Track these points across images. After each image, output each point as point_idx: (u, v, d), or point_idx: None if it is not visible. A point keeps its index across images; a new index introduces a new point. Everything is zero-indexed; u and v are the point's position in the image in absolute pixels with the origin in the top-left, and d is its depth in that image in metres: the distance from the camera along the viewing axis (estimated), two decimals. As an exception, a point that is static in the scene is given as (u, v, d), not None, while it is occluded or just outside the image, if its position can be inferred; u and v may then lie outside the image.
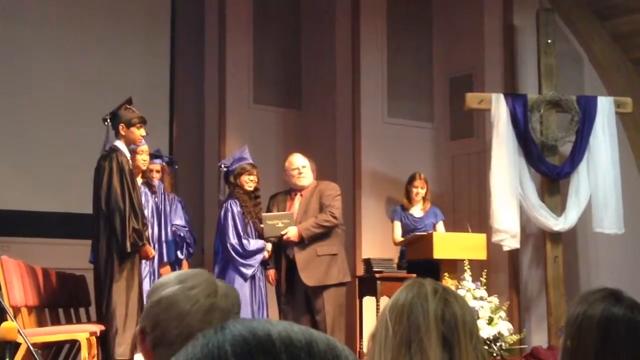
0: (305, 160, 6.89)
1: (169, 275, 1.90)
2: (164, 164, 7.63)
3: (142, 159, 6.81)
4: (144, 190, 6.72)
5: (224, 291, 1.84)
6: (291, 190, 6.91)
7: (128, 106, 6.22)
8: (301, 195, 6.82)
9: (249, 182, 7.04)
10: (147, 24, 9.43)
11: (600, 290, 2.07)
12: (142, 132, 6.22)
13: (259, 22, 9.43)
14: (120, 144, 6.15)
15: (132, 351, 5.89)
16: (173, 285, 1.83)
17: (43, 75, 8.78)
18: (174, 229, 7.31)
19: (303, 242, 6.61)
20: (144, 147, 6.79)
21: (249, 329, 0.76)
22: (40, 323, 6.31)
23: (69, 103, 8.82)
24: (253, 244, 6.89)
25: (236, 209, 6.93)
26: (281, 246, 6.77)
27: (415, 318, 1.76)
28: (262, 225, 6.73)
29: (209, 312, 1.78)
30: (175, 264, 7.32)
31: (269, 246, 6.89)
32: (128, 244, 5.86)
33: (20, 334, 4.52)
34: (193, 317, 1.77)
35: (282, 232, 6.59)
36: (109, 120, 6.15)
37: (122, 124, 6.14)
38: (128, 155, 6.18)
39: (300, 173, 6.80)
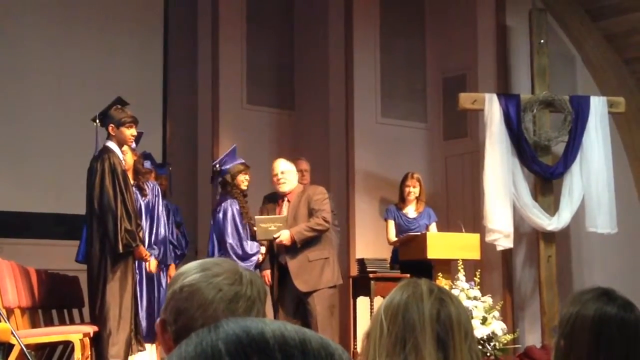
0: (287, 166, 6.83)
1: (190, 264, 1.80)
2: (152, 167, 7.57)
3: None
4: (134, 191, 6.64)
5: (249, 278, 1.74)
6: (278, 196, 6.89)
7: (118, 106, 6.18)
8: (288, 201, 6.78)
9: (244, 181, 7.05)
10: (139, 24, 9.42)
11: (593, 290, 2.07)
12: (133, 131, 6.16)
13: (252, 22, 9.43)
14: (112, 145, 6.10)
15: (126, 352, 5.88)
16: (195, 273, 1.73)
17: (35, 74, 8.76)
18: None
19: (294, 249, 6.55)
20: (124, 148, 6.56)
21: (243, 327, 0.76)
22: (34, 324, 6.30)
23: (61, 104, 8.80)
24: (250, 245, 6.89)
25: (236, 208, 6.92)
26: (273, 250, 6.75)
27: (410, 317, 1.76)
28: (254, 228, 6.71)
29: (233, 301, 1.69)
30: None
31: (263, 249, 6.88)
32: (120, 245, 5.83)
33: (14, 335, 4.52)
34: (217, 306, 1.68)
35: (275, 235, 6.56)
36: (97, 121, 6.12)
37: (111, 124, 6.09)
38: (120, 155, 6.15)
39: (279, 179, 6.76)
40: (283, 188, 6.73)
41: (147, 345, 6.68)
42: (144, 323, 6.64)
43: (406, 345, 1.74)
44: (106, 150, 6.05)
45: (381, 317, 1.79)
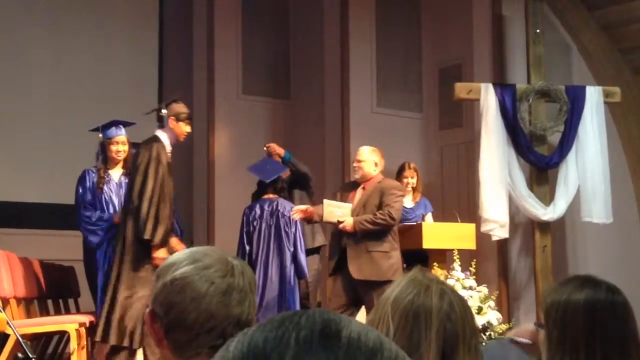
0: (362, 154, 6.85)
1: (179, 254, 1.77)
2: None
3: (116, 150, 6.41)
4: (124, 180, 6.42)
5: (240, 269, 1.73)
6: (355, 184, 6.92)
7: (179, 101, 6.25)
8: (363, 188, 6.77)
9: None
10: (135, 15, 9.40)
11: (574, 278, 2.08)
12: (188, 128, 6.20)
13: (248, 12, 9.41)
14: (162, 135, 6.12)
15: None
16: (186, 264, 1.71)
17: (30, 65, 8.75)
18: None
19: (356, 236, 6.53)
20: (119, 137, 6.41)
21: (324, 321, 0.75)
22: (29, 314, 6.31)
23: (56, 95, 8.79)
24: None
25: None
26: (338, 234, 6.74)
27: (418, 331, 1.70)
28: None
29: (226, 294, 1.68)
30: None
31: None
32: (148, 233, 5.73)
33: (9, 326, 4.52)
34: (210, 299, 1.67)
35: (340, 219, 6.52)
36: (164, 110, 6.15)
37: (172, 117, 6.13)
38: (168, 147, 6.11)
39: (354, 166, 6.85)
40: (355, 175, 6.83)
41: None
42: None
43: (411, 355, 1.70)
44: (156, 139, 6.06)
45: (389, 317, 1.73)
